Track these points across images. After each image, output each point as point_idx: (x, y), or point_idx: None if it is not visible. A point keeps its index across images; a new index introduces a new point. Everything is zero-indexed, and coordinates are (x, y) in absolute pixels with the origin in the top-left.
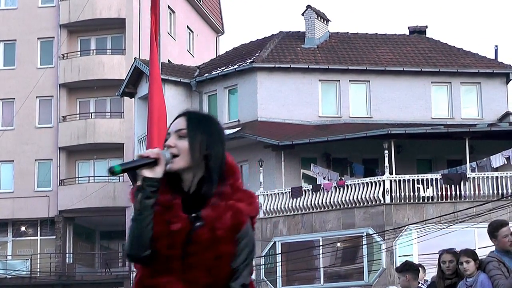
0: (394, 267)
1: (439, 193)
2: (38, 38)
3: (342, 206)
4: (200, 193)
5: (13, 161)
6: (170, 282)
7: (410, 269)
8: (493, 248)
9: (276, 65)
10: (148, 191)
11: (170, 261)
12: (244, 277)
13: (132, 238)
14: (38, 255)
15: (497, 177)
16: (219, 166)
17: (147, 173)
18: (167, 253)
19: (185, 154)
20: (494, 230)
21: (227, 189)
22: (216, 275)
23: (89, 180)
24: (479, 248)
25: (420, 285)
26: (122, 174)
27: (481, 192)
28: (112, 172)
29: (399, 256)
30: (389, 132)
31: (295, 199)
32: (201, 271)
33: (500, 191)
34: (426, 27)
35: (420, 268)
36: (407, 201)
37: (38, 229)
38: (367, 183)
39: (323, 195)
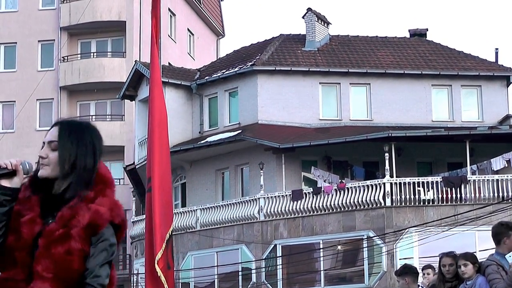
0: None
1: (440, 196)
2: (38, 41)
3: (342, 209)
4: (64, 196)
5: None
6: (16, 274)
7: (409, 272)
8: (493, 251)
9: (276, 68)
10: (1, 199)
11: (15, 253)
12: (102, 278)
13: None
14: None
15: (497, 180)
16: (86, 175)
17: (4, 182)
18: (14, 245)
19: (55, 165)
20: (509, 229)
21: (90, 194)
22: (66, 269)
23: None
24: (479, 250)
25: (419, 287)
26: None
27: (482, 195)
28: None
29: (400, 259)
30: (390, 135)
31: (295, 202)
32: (50, 263)
33: (500, 194)
34: (427, 30)
35: (430, 270)
36: (407, 204)
37: None
38: (367, 186)
39: (324, 198)
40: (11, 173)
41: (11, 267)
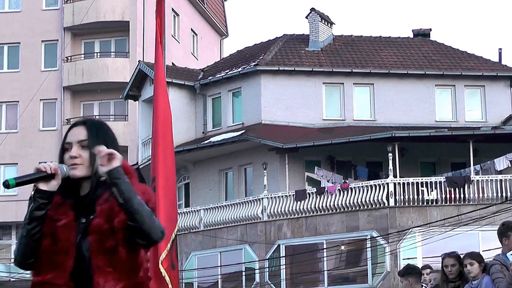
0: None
1: (443, 196)
2: (42, 41)
3: (346, 209)
4: (94, 194)
5: (17, 164)
6: (55, 278)
7: (412, 272)
8: (498, 251)
9: (280, 68)
10: (39, 202)
11: (55, 256)
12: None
13: (19, 245)
14: None
15: (501, 180)
16: None
17: (42, 185)
18: (51, 249)
19: (88, 164)
20: (508, 229)
21: None
22: (122, 261)
23: None
24: (483, 251)
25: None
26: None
27: (485, 195)
28: (6, 186)
29: (403, 259)
30: (393, 135)
31: (299, 202)
32: (107, 257)
33: (504, 194)
34: (430, 30)
35: (428, 270)
36: (411, 204)
37: None
38: (371, 186)
39: (327, 198)
40: (49, 177)
41: (48, 270)
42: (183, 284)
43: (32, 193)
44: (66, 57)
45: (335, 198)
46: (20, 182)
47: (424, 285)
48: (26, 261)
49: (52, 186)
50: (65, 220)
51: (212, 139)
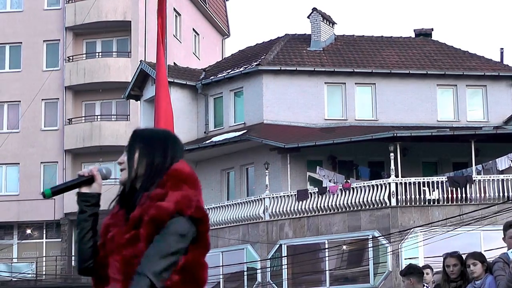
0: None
1: (445, 195)
2: (43, 41)
3: (348, 209)
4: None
5: (19, 164)
6: None
7: (414, 272)
8: (500, 251)
9: (282, 68)
10: (82, 205)
11: (104, 271)
12: (158, 268)
13: (76, 251)
14: (44, 258)
15: (502, 180)
16: (152, 173)
17: (83, 189)
18: (104, 262)
19: (126, 167)
20: (504, 228)
21: (160, 191)
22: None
23: None
24: (485, 250)
25: (424, 287)
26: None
27: (487, 194)
28: (44, 196)
29: (405, 259)
30: (395, 134)
31: (301, 202)
32: (120, 265)
33: (506, 194)
34: (432, 29)
35: (428, 270)
36: (413, 203)
37: (44, 232)
38: (373, 185)
39: (329, 197)
40: (89, 180)
41: (104, 283)
42: None
43: (76, 198)
44: (67, 57)
45: (337, 198)
46: (57, 190)
47: (425, 284)
48: (81, 265)
49: (93, 188)
50: (113, 232)
51: (214, 139)
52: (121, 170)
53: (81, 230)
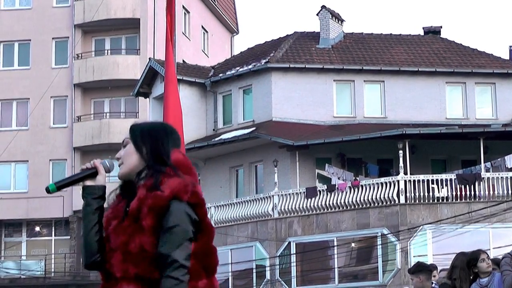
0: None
1: (454, 193)
2: (52, 38)
3: (356, 206)
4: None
5: (28, 161)
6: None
7: (423, 270)
8: (508, 249)
9: (290, 65)
10: (88, 198)
11: (111, 265)
12: (180, 261)
13: (82, 245)
14: (53, 255)
15: (511, 177)
16: (151, 163)
17: (88, 182)
18: (108, 256)
19: (124, 161)
20: None
21: (159, 180)
22: (142, 265)
23: None
24: (493, 248)
25: (433, 285)
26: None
27: (496, 192)
28: (48, 191)
29: (414, 256)
30: (404, 132)
31: (309, 199)
32: (127, 260)
33: None
34: (441, 27)
35: (435, 272)
36: (421, 201)
37: (53, 229)
38: (381, 183)
39: (338, 195)
40: (94, 174)
41: (113, 280)
42: None
43: (82, 191)
44: (76, 54)
45: (346, 195)
46: (61, 185)
47: (434, 282)
48: (88, 260)
49: (98, 181)
50: (113, 224)
51: (222, 137)
52: (119, 165)
53: (88, 223)
